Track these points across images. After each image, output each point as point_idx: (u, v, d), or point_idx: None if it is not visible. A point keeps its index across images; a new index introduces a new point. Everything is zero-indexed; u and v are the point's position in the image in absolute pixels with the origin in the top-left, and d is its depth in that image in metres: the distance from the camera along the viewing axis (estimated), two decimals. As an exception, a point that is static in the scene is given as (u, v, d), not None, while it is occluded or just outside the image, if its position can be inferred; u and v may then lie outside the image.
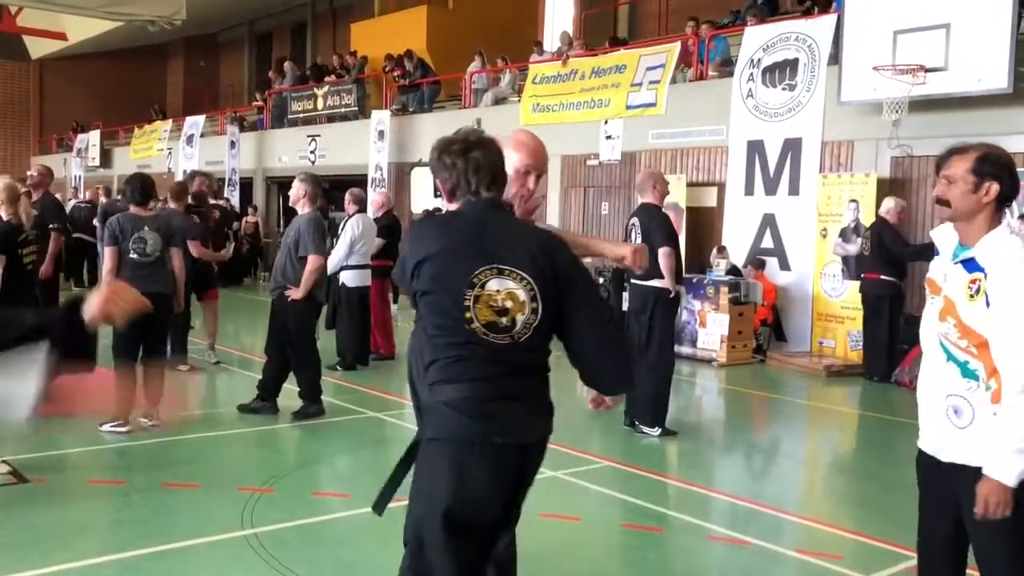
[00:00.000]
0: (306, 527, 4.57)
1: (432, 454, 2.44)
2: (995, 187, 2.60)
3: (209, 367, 8.94)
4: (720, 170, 11.83)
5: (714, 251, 10.99)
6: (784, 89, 10.83)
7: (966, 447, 2.60)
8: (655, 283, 6.46)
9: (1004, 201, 2.64)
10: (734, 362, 10.07)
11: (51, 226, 8.61)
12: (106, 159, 26.94)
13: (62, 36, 28.00)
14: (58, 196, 11.53)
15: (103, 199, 15.34)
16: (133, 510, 4.77)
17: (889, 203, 9.21)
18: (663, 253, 6.42)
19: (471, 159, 2.48)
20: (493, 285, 2.40)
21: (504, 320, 2.41)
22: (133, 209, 6.48)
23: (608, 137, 12.86)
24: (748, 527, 4.82)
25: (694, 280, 10.38)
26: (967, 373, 2.62)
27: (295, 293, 6.60)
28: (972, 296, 2.59)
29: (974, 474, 2.56)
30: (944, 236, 2.77)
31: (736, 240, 11.16)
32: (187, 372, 8.46)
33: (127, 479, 5.30)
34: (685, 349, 10.19)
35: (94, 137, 27.09)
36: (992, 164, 2.62)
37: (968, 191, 2.60)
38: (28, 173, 9.03)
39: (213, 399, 8.06)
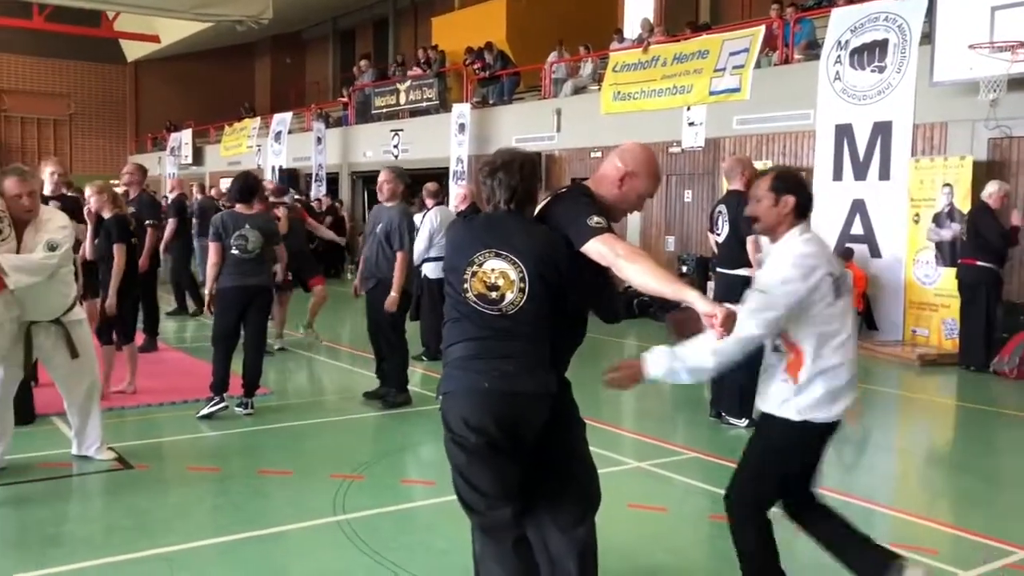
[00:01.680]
0: (395, 514, 4.67)
1: (445, 405, 2.96)
2: (791, 199, 3.15)
3: (308, 349, 9.21)
4: (807, 155, 11.59)
5: None
6: (873, 71, 10.53)
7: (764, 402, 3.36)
8: (743, 272, 6.36)
9: (801, 211, 3.18)
10: (823, 352, 9.84)
11: (147, 222, 8.98)
12: (198, 156, 27.82)
13: (155, 39, 29.05)
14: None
15: (198, 196, 15.83)
16: (230, 496, 4.94)
17: (992, 187, 8.89)
18: (751, 241, 6.32)
19: (496, 178, 2.96)
20: (489, 264, 2.87)
21: (494, 294, 2.86)
22: (238, 207, 6.71)
23: (691, 124, 12.71)
24: (839, 519, 4.73)
25: (781, 268, 10.19)
26: (775, 348, 3.28)
27: (392, 304, 6.72)
28: None
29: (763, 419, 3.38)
30: None
31: (825, 227, 10.89)
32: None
33: (223, 466, 5.49)
34: (772, 339, 10.01)
35: (186, 135, 28.00)
36: (786, 181, 3.20)
37: (770, 206, 3.16)
38: (122, 173, 9.40)
39: (303, 388, 8.27)
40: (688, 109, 12.75)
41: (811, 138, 11.45)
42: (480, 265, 2.87)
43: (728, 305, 2.74)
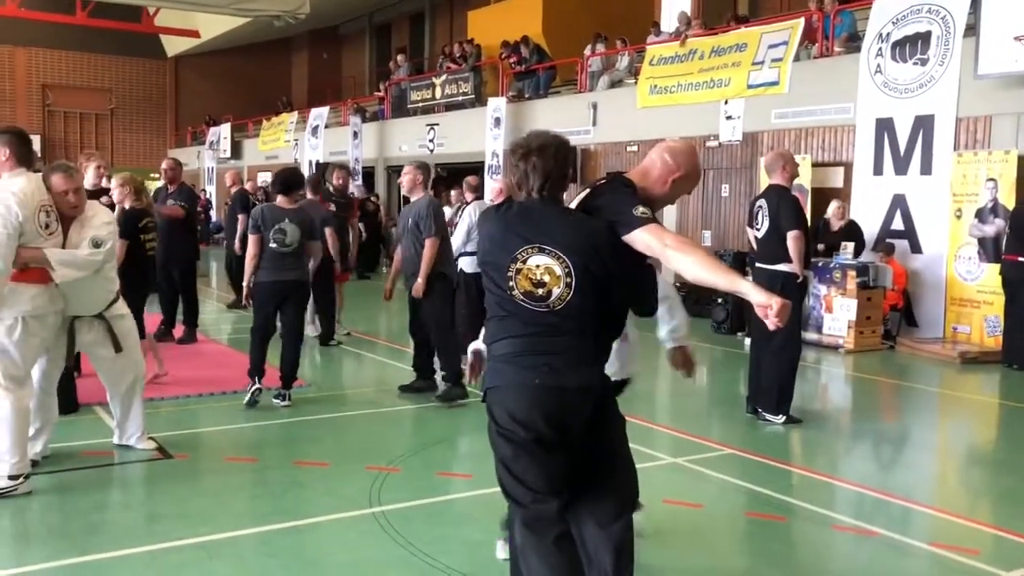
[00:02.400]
0: (431, 506, 4.69)
1: (492, 399, 2.91)
2: None
3: (336, 344, 9.31)
4: (847, 149, 11.45)
5: (833, 206, 10.68)
6: (916, 64, 10.37)
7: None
8: (782, 267, 6.30)
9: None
10: (862, 348, 9.75)
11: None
12: (236, 151, 28.11)
13: (195, 34, 29.38)
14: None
15: (233, 189, 15.98)
16: (268, 486, 5.00)
17: (1038, 181, 8.73)
18: (792, 237, 6.25)
19: (529, 162, 2.88)
20: (534, 261, 2.80)
21: (540, 291, 2.79)
22: (279, 200, 6.76)
23: (728, 117, 12.61)
24: (876, 518, 4.67)
25: (820, 264, 10.08)
26: None
27: (418, 290, 6.77)
28: None
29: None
30: None
31: (865, 222, 10.78)
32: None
33: (261, 457, 5.54)
34: (810, 335, 9.92)
35: (225, 130, 28.29)
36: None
37: None
38: (163, 168, 9.59)
39: (340, 380, 8.34)
40: (726, 103, 12.64)
41: (851, 132, 11.30)
42: (524, 262, 2.80)
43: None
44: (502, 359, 2.87)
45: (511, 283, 2.82)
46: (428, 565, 3.91)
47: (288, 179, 6.81)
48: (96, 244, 4.82)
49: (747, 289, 2.73)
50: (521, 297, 2.81)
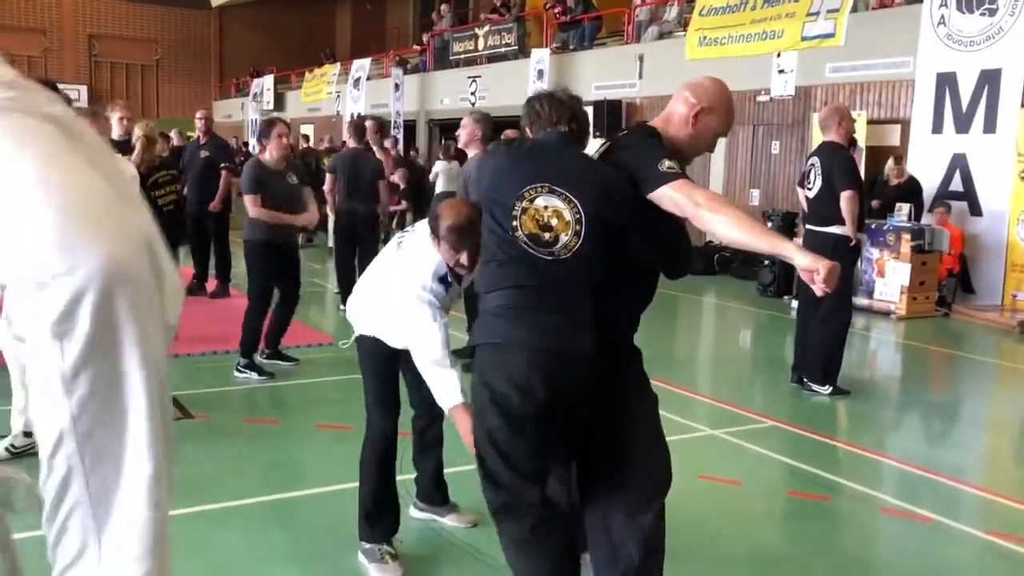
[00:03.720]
0: (455, 474, 4.49)
1: (484, 359, 2.60)
2: None
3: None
4: (905, 106, 10.91)
5: (890, 161, 10.25)
6: (983, 14, 9.79)
7: None
8: (835, 229, 5.94)
9: None
10: (914, 315, 9.34)
11: (222, 165, 9.12)
12: (279, 102, 27.94)
13: (239, -17, 29.16)
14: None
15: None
16: (288, 450, 4.84)
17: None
18: (845, 197, 5.89)
19: (556, 100, 2.71)
20: (541, 202, 2.54)
21: (547, 235, 2.52)
22: None
23: (781, 71, 12.08)
24: (928, 501, 4.38)
25: (873, 226, 9.64)
26: None
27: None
28: None
29: None
30: None
31: (922, 182, 10.29)
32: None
33: (283, 418, 5.40)
34: (861, 301, 9.50)
35: (268, 81, 28.10)
36: None
37: None
38: (198, 118, 9.49)
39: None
40: (778, 55, 12.11)
41: (910, 87, 10.77)
42: (531, 201, 2.53)
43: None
44: (498, 312, 2.56)
45: (515, 223, 2.54)
46: (447, 541, 3.73)
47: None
48: None
49: (791, 252, 2.46)
50: (525, 239, 2.53)
